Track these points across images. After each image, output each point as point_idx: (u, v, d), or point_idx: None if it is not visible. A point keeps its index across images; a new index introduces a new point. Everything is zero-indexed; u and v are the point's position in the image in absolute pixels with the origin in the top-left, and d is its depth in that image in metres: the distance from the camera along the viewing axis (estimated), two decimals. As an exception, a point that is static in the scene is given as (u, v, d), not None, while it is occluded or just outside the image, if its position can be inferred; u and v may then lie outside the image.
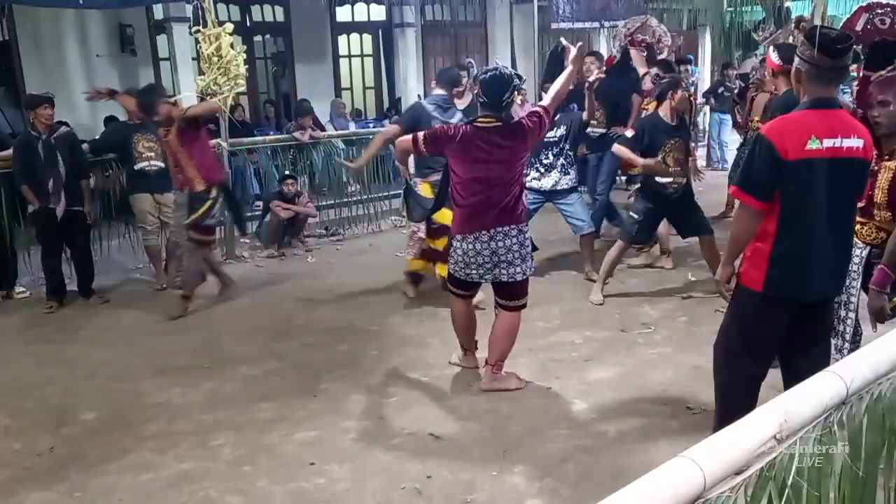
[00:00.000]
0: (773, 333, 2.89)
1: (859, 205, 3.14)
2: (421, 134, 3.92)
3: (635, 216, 5.39)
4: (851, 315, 3.42)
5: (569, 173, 5.73)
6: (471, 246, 3.81)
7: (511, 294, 3.93)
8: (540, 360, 4.34)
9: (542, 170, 5.70)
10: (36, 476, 3.31)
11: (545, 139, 5.40)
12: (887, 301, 3.01)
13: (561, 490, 3.02)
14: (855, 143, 2.67)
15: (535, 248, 3.98)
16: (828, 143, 2.62)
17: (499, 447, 3.38)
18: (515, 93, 3.91)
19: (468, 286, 4.03)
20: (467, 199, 3.81)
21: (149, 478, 3.27)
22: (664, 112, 5.29)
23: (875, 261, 3.28)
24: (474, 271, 3.87)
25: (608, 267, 5.42)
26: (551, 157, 5.68)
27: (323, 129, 9.44)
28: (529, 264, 3.90)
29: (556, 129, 5.57)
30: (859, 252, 3.29)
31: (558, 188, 5.72)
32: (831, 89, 2.72)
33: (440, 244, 5.10)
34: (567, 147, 5.70)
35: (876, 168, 3.15)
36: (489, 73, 3.83)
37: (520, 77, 4.13)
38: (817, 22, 6.82)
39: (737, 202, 2.98)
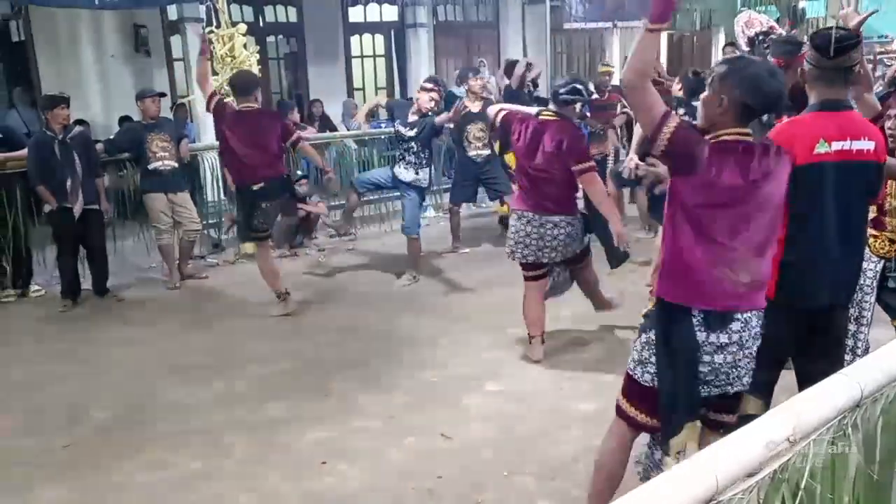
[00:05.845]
0: (781, 341, 2.82)
1: (871, 215, 3.09)
2: None
3: None
4: (864, 330, 3.36)
5: (416, 172, 5.98)
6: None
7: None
8: (550, 362, 4.33)
9: (403, 163, 6.03)
10: (50, 473, 3.34)
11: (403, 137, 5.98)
12: None
13: (571, 491, 3.01)
14: (865, 145, 2.59)
15: (588, 251, 4.42)
16: (836, 145, 2.54)
17: (509, 448, 3.38)
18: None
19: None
20: None
21: (161, 476, 3.29)
22: None
23: (891, 274, 3.25)
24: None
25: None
26: (406, 154, 6.01)
27: (335, 128, 9.50)
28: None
29: (413, 129, 5.93)
30: (873, 266, 3.24)
31: (402, 179, 6.01)
32: (837, 90, 2.63)
33: None
34: (418, 147, 5.95)
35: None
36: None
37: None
38: (830, 22, 6.76)
39: None
